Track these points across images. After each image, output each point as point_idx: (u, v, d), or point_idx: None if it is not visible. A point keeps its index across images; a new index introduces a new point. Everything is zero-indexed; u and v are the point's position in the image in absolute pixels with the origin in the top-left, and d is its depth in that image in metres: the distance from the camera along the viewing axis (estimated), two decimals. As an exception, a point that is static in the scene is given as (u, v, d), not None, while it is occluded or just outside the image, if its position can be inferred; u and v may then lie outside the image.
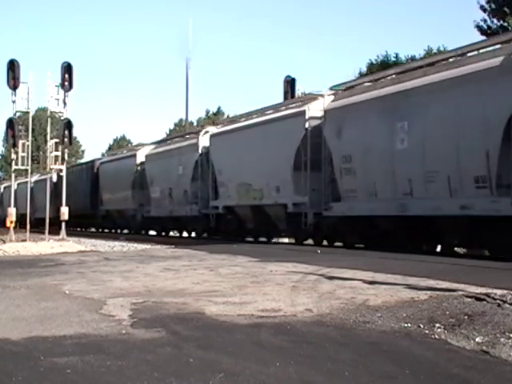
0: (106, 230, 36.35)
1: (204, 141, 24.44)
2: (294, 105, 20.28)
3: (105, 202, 34.60)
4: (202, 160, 24.29)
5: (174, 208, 26.55)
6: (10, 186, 46.72)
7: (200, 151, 24.52)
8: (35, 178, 44.62)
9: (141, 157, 30.57)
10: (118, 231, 34.92)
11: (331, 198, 17.22)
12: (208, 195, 23.58)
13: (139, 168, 30.32)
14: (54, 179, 40.23)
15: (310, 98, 19.16)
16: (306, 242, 19.74)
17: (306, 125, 18.05)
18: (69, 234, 21.78)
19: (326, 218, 17.41)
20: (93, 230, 40.32)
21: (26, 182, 50.45)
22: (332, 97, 17.88)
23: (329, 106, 17.47)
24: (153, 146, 31.02)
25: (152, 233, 32.83)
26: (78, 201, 36.65)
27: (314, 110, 18.09)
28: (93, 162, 38.16)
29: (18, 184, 48.99)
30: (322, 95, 18.35)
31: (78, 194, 36.88)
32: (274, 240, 22.63)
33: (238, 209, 22.29)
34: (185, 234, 32.03)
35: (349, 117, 16.34)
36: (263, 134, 20.26)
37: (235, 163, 21.66)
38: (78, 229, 40.60)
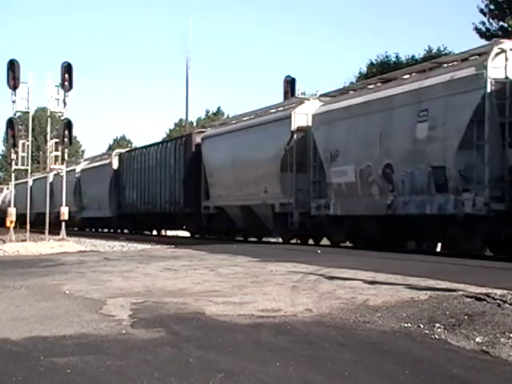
0: (211, 236, 24.23)
1: (497, 68, 12.74)
2: None
3: (215, 196, 22.97)
4: (491, 104, 12.56)
5: (397, 201, 14.68)
6: (42, 179, 38.38)
7: (489, 88, 12.58)
8: (82, 166, 37.55)
9: (300, 119, 18.70)
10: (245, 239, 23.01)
11: None
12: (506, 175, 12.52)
13: (297, 137, 18.62)
14: (115, 166, 32.24)
15: None
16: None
17: None
18: (69, 234, 21.77)
19: None
20: (181, 234, 29.37)
21: (68, 172, 39.90)
22: None
23: None
24: (320, 103, 18.55)
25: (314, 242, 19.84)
26: (158, 194, 27.06)
27: None
28: (188, 136, 25.81)
29: (54, 175, 39.06)
30: None
31: (156, 184, 27.36)
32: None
33: None
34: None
35: None
36: None
37: None
38: (155, 232, 30.40)
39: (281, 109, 20.31)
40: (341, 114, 16.81)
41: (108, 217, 32.49)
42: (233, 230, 22.96)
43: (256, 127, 20.86)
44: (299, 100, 19.90)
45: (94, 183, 33.68)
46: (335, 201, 16.89)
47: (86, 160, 40.08)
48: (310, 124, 18.25)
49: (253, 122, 21.51)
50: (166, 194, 26.35)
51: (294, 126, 18.61)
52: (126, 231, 32.15)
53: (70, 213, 35.01)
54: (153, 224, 30.04)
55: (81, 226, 36.69)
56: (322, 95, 19.54)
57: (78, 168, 36.89)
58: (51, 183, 40.43)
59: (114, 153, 33.41)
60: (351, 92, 17.83)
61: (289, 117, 18.84)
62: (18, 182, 42.91)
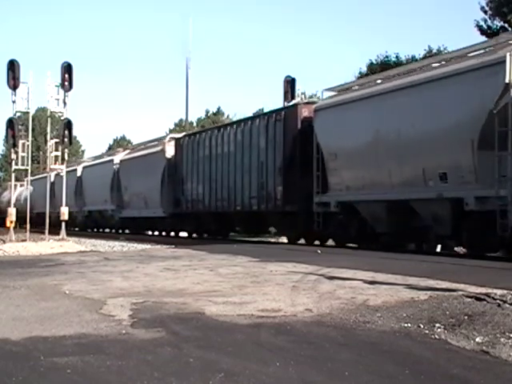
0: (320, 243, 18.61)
1: None
2: None
3: (339, 188, 16.70)
4: None
5: None
6: (67, 173, 33.95)
7: None
8: (121, 156, 31.39)
9: None
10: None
11: None
12: None
13: None
14: (170, 154, 26.07)
15: None
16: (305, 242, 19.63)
17: None
18: (69, 234, 21.75)
19: None
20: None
21: (102, 164, 32.11)
22: None
23: None
24: None
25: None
26: (239, 188, 21.04)
27: None
28: (290, 109, 19.42)
29: (83, 167, 34.33)
30: None
31: (236, 174, 21.30)
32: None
33: None
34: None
35: None
36: None
37: None
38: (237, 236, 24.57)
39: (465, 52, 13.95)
40: None
41: (159, 217, 26.53)
42: (365, 236, 16.26)
43: (426, 85, 13.90)
44: None
45: (138, 176, 27.50)
46: None
47: (126, 149, 34.40)
48: None
49: (419, 78, 14.33)
50: (251, 187, 20.27)
51: (509, 77, 11.83)
52: (183, 234, 26.71)
53: (106, 212, 30.81)
54: (226, 226, 24.04)
55: (119, 227, 31.31)
56: None
57: (117, 158, 31.16)
58: (79, 178, 34.74)
59: (168, 138, 27.17)
60: None
61: (500, 62, 12.07)
62: (36, 177, 37.27)
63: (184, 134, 27.66)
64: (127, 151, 32.31)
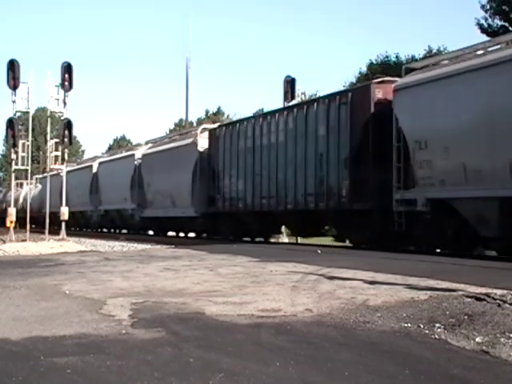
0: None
1: None
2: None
3: (430, 183, 13.71)
4: None
5: None
6: (81, 170, 31.22)
7: None
8: (143, 150, 28.84)
9: None
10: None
11: None
12: None
13: None
14: (203, 146, 23.10)
15: None
16: (306, 242, 19.63)
17: None
18: (69, 234, 21.75)
19: None
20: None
21: (121, 160, 29.47)
22: None
23: None
24: None
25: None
26: (290, 183, 18.42)
27: None
28: (360, 90, 17.03)
29: (99, 163, 32.09)
30: None
31: (287, 168, 18.62)
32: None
33: None
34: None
35: None
36: None
37: None
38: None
39: None
40: None
41: (189, 217, 23.69)
42: (465, 240, 13.30)
43: None
44: None
45: (164, 172, 24.70)
46: None
47: (148, 143, 30.98)
48: None
49: None
50: (307, 182, 17.62)
51: None
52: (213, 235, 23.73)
53: (125, 211, 27.94)
54: (272, 227, 21.28)
55: (140, 228, 28.41)
56: None
57: (138, 153, 28.36)
58: (95, 174, 31.87)
59: (201, 129, 24.20)
60: None
61: None
62: (45, 175, 37.36)
63: (219, 123, 25.29)
64: (150, 145, 29.62)
